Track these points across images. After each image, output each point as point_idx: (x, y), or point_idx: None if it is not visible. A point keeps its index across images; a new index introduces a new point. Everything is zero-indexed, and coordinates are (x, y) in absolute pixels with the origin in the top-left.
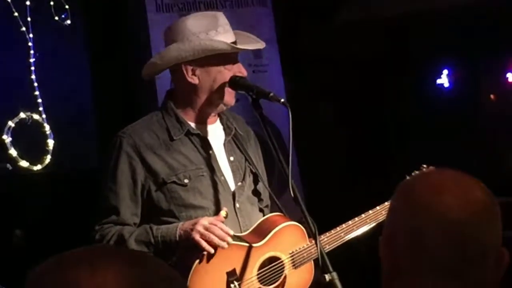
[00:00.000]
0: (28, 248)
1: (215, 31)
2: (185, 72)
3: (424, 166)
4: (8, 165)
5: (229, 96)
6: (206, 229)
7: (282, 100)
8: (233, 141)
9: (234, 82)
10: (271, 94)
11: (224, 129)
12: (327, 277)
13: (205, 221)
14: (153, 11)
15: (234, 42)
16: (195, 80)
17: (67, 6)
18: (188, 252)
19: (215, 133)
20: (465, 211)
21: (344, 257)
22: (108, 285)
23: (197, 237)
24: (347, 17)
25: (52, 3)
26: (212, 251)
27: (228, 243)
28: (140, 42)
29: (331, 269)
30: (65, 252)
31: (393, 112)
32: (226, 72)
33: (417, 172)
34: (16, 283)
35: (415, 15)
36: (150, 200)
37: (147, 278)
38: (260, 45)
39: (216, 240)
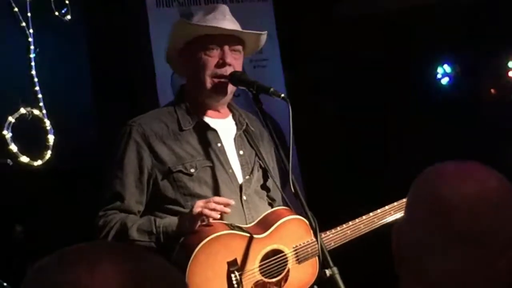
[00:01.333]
0: (28, 244)
1: (201, 15)
2: (183, 61)
3: None
4: (9, 161)
5: (218, 87)
6: (206, 201)
7: (282, 95)
8: (244, 136)
9: (234, 78)
10: (271, 90)
11: (236, 124)
12: (328, 272)
13: (201, 201)
14: (153, 5)
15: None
16: (188, 70)
17: (67, 1)
18: (188, 240)
19: (226, 126)
20: (491, 195)
21: (344, 252)
22: (107, 282)
23: (198, 209)
24: (348, 11)
25: None
26: (216, 216)
27: (229, 204)
28: (140, 37)
29: (331, 264)
30: (65, 248)
31: (394, 107)
32: (206, 59)
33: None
34: (16, 279)
35: (415, 9)
36: (157, 188)
37: (147, 274)
38: (234, 26)
39: (218, 206)
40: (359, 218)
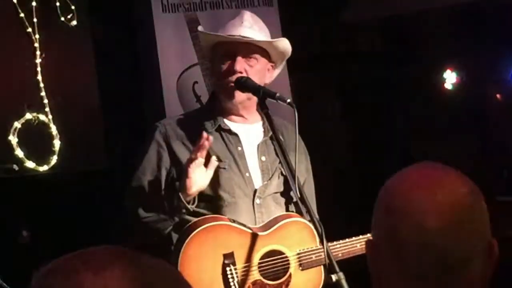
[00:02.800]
0: (34, 249)
1: (224, 27)
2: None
3: None
4: (15, 166)
5: (229, 94)
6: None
7: (288, 100)
8: (271, 143)
9: (240, 83)
10: (278, 95)
11: (264, 131)
12: (334, 277)
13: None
14: (159, 11)
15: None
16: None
17: (73, 7)
18: (186, 227)
19: (251, 132)
20: (444, 218)
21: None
22: (112, 286)
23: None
24: (354, 16)
25: (58, 3)
26: (200, 156)
27: (208, 140)
28: (146, 42)
29: (337, 269)
30: (70, 254)
31: (399, 110)
32: (220, 66)
33: None
34: (22, 284)
35: (420, 14)
36: (173, 186)
37: (151, 278)
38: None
39: (197, 148)
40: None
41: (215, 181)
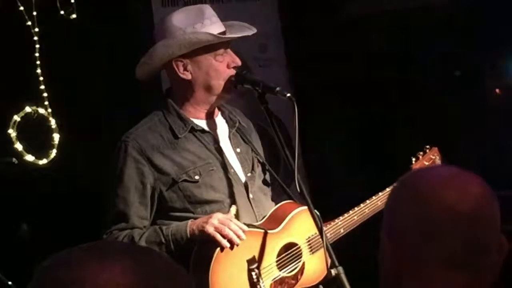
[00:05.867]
0: (33, 243)
1: (201, 23)
2: (176, 68)
3: (427, 146)
4: (14, 159)
5: (226, 88)
6: (221, 222)
7: (288, 94)
8: (238, 133)
9: (240, 77)
10: (277, 89)
11: (227, 121)
12: (333, 271)
13: (219, 215)
14: (159, 5)
15: (223, 33)
16: (187, 76)
17: (72, 1)
18: (206, 242)
19: (219, 126)
20: (473, 204)
21: (349, 251)
22: (115, 280)
23: (211, 230)
24: (354, 10)
25: None
26: (228, 245)
27: (242, 238)
28: (146, 36)
29: (337, 263)
30: (72, 247)
31: (399, 106)
32: (217, 64)
33: (421, 153)
34: (22, 278)
35: (420, 9)
36: (163, 201)
37: (154, 273)
38: (249, 31)
39: (231, 234)
40: (363, 203)
41: (209, 186)
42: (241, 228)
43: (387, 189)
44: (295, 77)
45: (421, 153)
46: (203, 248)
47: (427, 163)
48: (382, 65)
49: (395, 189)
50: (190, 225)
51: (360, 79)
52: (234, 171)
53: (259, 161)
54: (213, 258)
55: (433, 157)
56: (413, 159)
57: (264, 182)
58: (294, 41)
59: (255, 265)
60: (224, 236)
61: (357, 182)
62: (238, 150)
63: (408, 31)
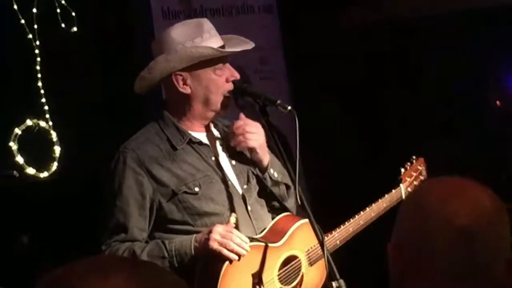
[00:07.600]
0: (34, 255)
1: (201, 37)
2: (175, 82)
3: (414, 157)
4: (15, 172)
5: (225, 103)
6: (223, 236)
7: (289, 108)
8: (231, 145)
9: (241, 90)
10: (278, 102)
11: (220, 134)
12: (334, 284)
13: (219, 228)
14: (160, 17)
15: (222, 46)
16: (187, 90)
17: (73, 14)
18: (211, 259)
19: (214, 139)
20: (472, 218)
21: (350, 263)
22: None
23: (215, 245)
24: (354, 21)
25: (58, 10)
26: (236, 258)
27: (246, 250)
28: (147, 49)
29: (338, 276)
30: (76, 261)
31: (400, 112)
32: (217, 78)
33: (408, 163)
34: None
35: (420, 18)
36: (162, 212)
37: (158, 287)
38: (248, 45)
39: (236, 248)
40: (358, 214)
41: (208, 198)
42: (244, 241)
43: (380, 200)
44: (296, 89)
45: (409, 163)
46: (208, 264)
47: (414, 174)
48: (382, 70)
49: (403, 201)
50: (194, 241)
51: (362, 85)
52: (232, 183)
53: (253, 173)
54: (221, 274)
55: (420, 168)
56: (402, 170)
57: (260, 194)
58: (295, 53)
59: (259, 279)
60: (230, 251)
61: (357, 191)
62: (234, 162)
63: (409, 38)
